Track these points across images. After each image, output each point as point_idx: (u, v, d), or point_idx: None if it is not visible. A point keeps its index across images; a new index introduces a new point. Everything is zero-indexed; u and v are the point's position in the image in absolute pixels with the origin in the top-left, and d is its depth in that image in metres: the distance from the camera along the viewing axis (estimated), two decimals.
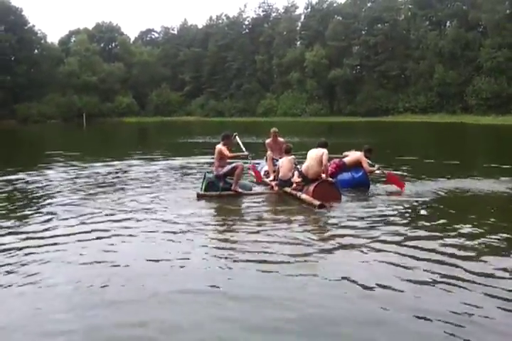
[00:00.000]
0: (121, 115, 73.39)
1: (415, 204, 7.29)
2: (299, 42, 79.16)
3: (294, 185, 7.89)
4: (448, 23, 64.82)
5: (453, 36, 59.72)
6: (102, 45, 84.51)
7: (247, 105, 76.91)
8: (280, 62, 74.73)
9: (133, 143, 25.63)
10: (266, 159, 9.15)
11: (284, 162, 8.18)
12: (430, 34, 62.41)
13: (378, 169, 8.63)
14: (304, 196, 7.41)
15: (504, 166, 12.13)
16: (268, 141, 9.54)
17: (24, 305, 3.78)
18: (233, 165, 8.02)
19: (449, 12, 62.94)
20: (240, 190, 7.93)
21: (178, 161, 14.08)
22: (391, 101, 64.89)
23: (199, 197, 7.56)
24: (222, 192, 7.74)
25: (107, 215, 6.70)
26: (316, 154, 7.74)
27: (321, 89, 70.20)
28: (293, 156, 8.25)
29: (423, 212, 6.78)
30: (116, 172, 11.63)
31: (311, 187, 7.49)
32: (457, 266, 4.47)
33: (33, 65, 70.60)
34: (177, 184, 9.46)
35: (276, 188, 8.17)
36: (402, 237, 5.43)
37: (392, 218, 6.35)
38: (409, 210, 6.87)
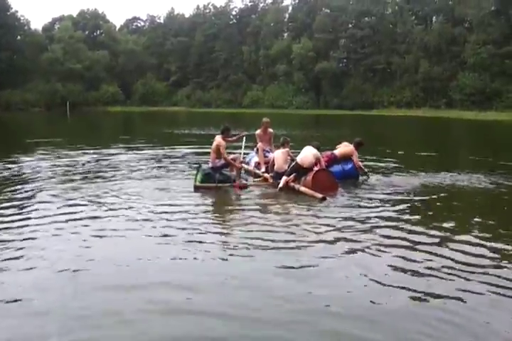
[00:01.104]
0: (106, 104, 72.47)
1: (407, 196, 7.44)
2: (286, 34, 78.89)
3: (284, 180, 7.85)
4: (434, 18, 65.15)
5: (438, 31, 60.06)
6: (86, 32, 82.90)
7: (233, 96, 76.63)
8: (267, 53, 74.45)
9: (117, 133, 25.40)
10: (256, 150, 9.05)
11: (279, 154, 8.22)
12: (416, 29, 62.66)
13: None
14: (303, 189, 7.49)
15: (487, 160, 12.41)
16: (258, 131, 9.43)
17: None
18: (231, 157, 8.10)
19: (436, 7, 63.25)
20: (244, 182, 8.02)
21: (163, 150, 14.18)
22: (376, 94, 65.17)
23: (196, 188, 7.53)
24: (219, 184, 7.71)
25: (95, 205, 6.63)
26: (312, 150, 8.08)
27: (308, 81, 70.18)
28: (287, 149, 8.32)
29: (415, 205, 6.90)
30: (99, 161, 11.58)
31: (309, 177, 7.62)
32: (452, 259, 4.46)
33: (16, 52, 69.08)
34: (165, 173, 9.44)
35: (270, 180, 8.18)
36: (407, 231, 5.48)
37: (390, 212, 6.37)
38: (406, 203, 6.95)
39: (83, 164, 10.99)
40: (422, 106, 58.95)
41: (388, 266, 4.36)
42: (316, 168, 7.89)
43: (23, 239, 5.07)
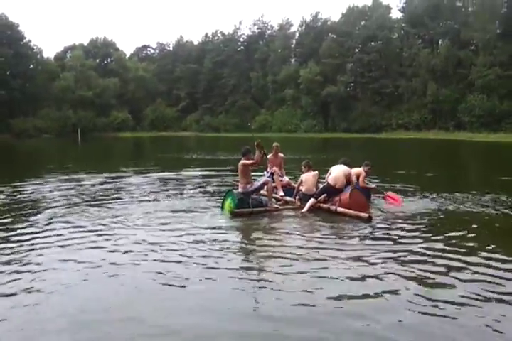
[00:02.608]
0: (117, 130, 73.49)
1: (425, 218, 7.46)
2: (293, 60, 79.99)
3: (310, 203, 7.90)
4: (440, 42, 65.86)
5: (445, 54, 60.61)
6: (97, 60, 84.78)
7: (242, 121, 77.14)
8: (275, 78, 75.45)
9: (127, 158, 25.63)
10: (271, 174, 8.98)
11: (309, 177, 8.39)
12: (423, 52, 63.34)
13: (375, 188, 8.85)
14: (342, 209, 7.59)
15: (502, 180, 12.23)
16: (269, 156, 9.49)
17: None
18: (262, 181, 8.11)
19: (442, 30, 64.07)
20: (275, 206, 8.05)
21: (172, 174, 14.28)
22: (385, 117, 65.43)
23: (233, 214, 7.52)
24: (254, 209, 7.74)
25: (110, 232, 6.59)
26: (341, 168, 8.18)
27: (316, 105, 70.74)
28: (316, 172, 8.49)
29: (436, 227, 6.85)
30: (109, 184, 11.67)
31: (345, 197, 7.75)
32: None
33: (29, 80, 70.76)
34: (190, 200, 9.35)
35: (298, 203, 8.26)
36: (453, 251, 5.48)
37: (412, 235, 6.33)
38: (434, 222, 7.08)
39: (95, 189, 11.04)
40: (431, 129, 58.96)
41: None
42: (348, 188, 7.98)
43: (23, 264, 5.11)
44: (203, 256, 5.34)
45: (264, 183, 8.07)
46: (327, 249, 5.63)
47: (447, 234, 6.33)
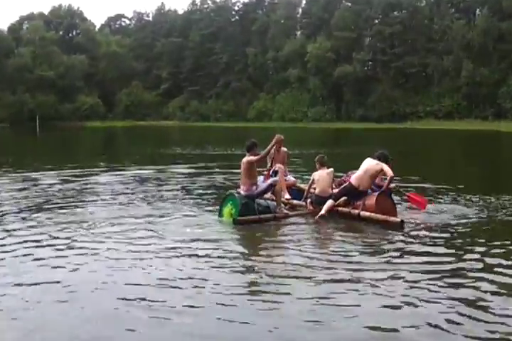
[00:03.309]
0: (84, 118, 73.47)
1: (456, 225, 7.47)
2: (299, 33, 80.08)
3: (328, 206, 8.01)
4: (478, 11, 65.87)
5: (483, 26, 60.58)
6: (60, 33, 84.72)
7: (236, 107, 77.09)
8: (276, 55, 75.35)
9: (96, 152, 25.53)
10: (273, 173, 8.95)
11: (323, 175, 8.37)
12: (457, 24, 63.32)
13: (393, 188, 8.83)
14: (367, 214, 7.71)
15: None
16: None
17: None
18: (269, 182, 8.12)
19: None
20: (285, 211, 8.14)
21: (152, 172, 14.22)
22: (410, 104, 65.46)
23: (236, 222, 7.54)
24: (261, 216, 7.77)
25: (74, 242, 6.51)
26: (370, 165, 8.06)
27: (326, 88, 70.69)
28: (332, 169, 8.46)
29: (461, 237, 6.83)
30: (71, 184, 11.57)
31: (370, 201, 7.85)
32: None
33: None
34: (173, 203, 9.35)
35: (310, 207, 8.34)
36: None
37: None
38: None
39: (53, 190, 10.97)
40: (465, 117, 59.04)
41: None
42: (372, 192, 8.06)
43: None
44: (192, 277, 5.17)
45: (272, 184, 8.07)
46: (350, 268, 5.50)
47: (494, 250, 6.20)
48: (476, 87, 59.87)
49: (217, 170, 15.03)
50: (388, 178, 7.96)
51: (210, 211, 8.53)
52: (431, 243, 6.54)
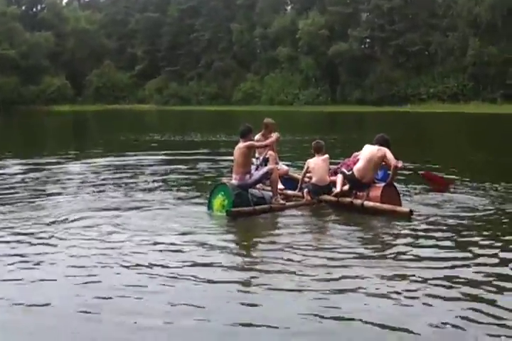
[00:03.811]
0: (51, 102, 72.87)
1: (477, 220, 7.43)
2: (289, 7, 80.00)
3: (335, 192, 8.24)
4: None
5: (491, 1, 60.65)
6: (23, 8, 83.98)
7: (220, 89, 76.88)
8: (264, 32, 75.14)
9: (64, 139, 25.39)
10: (263, 161, 9.00)
11: (319, 163, 8.43)
12: None
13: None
14: (371, 204, 7.77)
15: None
16: (258, 136, 9.37)
17: None
18: (265, 170, 8.17)
19: None
20: (282, 202, 8.20)
21: (132, 161, 14.17)
22: (411, 85, 65.61)
23: (229, 214, 7.58)
24: (256, 207, 7.82)
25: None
26: (371, 154, 8.10)
27: (320, 69, 70.62)
28: (327, 155, 8.56)
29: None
30: (45, 177, 11.39)
31: (375, 193, 7.92)
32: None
33: None
34: (152, 193, 9.37)
35: (308, 197, 8.40)
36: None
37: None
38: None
39: (14, 179, 10.83)
40: (472, 100, 59.31)
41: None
42: (378, 184, 8.16)
43: None
44: (176, 277, 5.08)
45: (268, 172, 8.10)
46: (353, 265, 5.46)
47: (508, 245, 6.19)
48: (483, 66, 60.03)
49: (199, 157, 15.01)
50: (392, 168, 7.95)
51: (193, 202, 8.50)
52: (441, 236, 6.52)
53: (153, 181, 10.77)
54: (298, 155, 14.73)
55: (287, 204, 8.24)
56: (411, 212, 7.40)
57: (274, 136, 8.56)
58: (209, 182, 10.32)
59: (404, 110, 56.99)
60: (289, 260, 5.56)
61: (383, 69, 67.47)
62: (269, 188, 8.38)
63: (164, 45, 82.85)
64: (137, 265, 5.40)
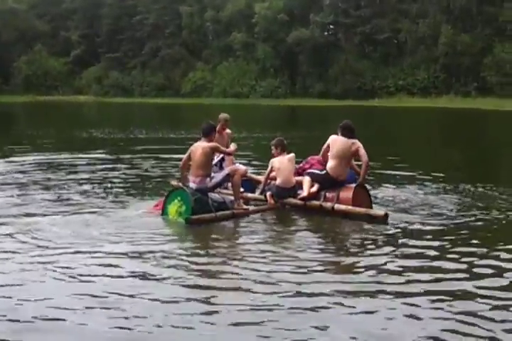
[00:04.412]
0: None
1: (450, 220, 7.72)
2: None
3: (302, 196, 8.26)
4: None
5: None
6: None
7: (167, 80, 76.39)
8: (217, 16, 75.08)
9: None
10: (219, 162, 8.99)
11: (284, 163, 8.47)
12: None
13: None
14: (343, 207, 7.87)
15: None
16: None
17: None
18: (226, 171, 8.23)
19: None
20: (245, 207, 8.27)
21: (64, 159, 14.03)
22: (379, 77, 66.42)
23: (189, 222, 7.55)
24: (218, 213, 7.82)
25: None
26: (344, 148, 8.17)
27: (278, 57, 70.89)
28: (293, 154, 8.64)
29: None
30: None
31: (346, 194, 8.02)
32: None
33: None
34: (87, 196, 9.31)
35: (271, 201, 8.43)
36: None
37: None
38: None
39: None
40: (444, 94, 60.34)
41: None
42: (348, 184, 8.28)
43: None
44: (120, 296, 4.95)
45: (229, 174, 8.15)
46: (323, 279, 5.43)
47: (493, 248, 6.40)
48: (456, 56, 61.11)
49: (143, 155, 15.03)
50: (364, 165, 8.10)
51: (134, 206, 8.42)
52: (419, 244, 6.66)
53: (90, 182, 10.64)
54: (255, 153, 14.75)
55: (250, 209, 8.29)
56: (386, 215, 7.53)
57: (233, 147, 8.62)
58: (154, 184, 10.28)
59: (371, 104, 57.77)
60: (248, 274, 5.48)
61: (348, 59, 68.04)
62: (226, 191, 8.40)
63: (103, 28, 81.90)
64: (68, 281, 5.25)
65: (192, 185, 7.98)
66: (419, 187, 10.31)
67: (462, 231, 7.19)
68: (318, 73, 69.14)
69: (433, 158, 15.82)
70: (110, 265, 5.73)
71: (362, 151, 8.06)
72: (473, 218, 7.83)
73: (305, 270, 5.62)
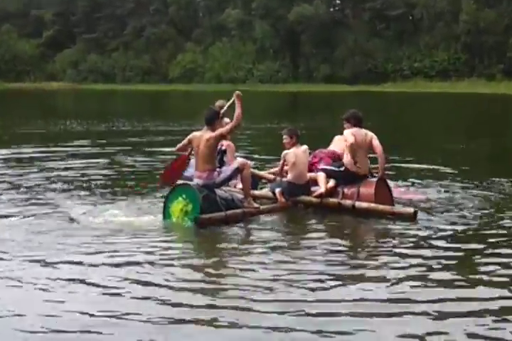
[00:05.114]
0: None
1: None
2: None
3: (320, 192, 8.25)
4: None
5: None
6: None
7: (153, 63, 76.26)
8: None
9: None
10: (220, 153, 8.96)
11: (299, 155, 8.39)
12: None
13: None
14: (364, 205, 7.90)
15: None
16: None
17: None
18: (235, 165, 8.14)
19: None
20: (256, 205, 8.20)
21: (35, 153, 13.89)
22: (392, 58, 66.44)
23: (199, 222, 7.51)
24: (228, 212, 7.75)
25: None
26: (362, 140, 8.27)
27: (278, 37, 70.83)
28: (306, 146, 8.53)
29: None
30: None
31: (368, 189, 8.07)
32: None
33: None
34: (67, 194, 9.22)
35: (282, 199, 8.40)
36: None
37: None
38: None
39: None
40: (465, 77, 60.37)
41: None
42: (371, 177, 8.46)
43: None
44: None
45: (239, 168, 8.05)
46: (346, 298, 5.30)
47: None
48: (479, 34, 61.17)
49: (126, 148, 15.01)
50: (381, 157, 8.20)
51: (115, 207, 8.27)
52: (455, 244, 6.73)
53: (64, 180, 10.51)
54: (255, 146, 14.68)
55: (262, 207, 8.24)
56: (415, 213, 7.56)
57: (237, 95, 8.17)
58: (138, 181, 10.17)
59: (383, 90, 57.71)
60: (260, 298, 5.30)
61: (357, 38, 68.05)
62: (228, 188, 8.36)
63: (80, 6, 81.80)
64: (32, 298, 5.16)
65: (197, 180, 7.93)
66: (442, 182, 10.27)
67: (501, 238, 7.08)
68: (323, 55, 69.14)
69: (455, 150, 15.65)
70: (80, 282, 5.51)
71: (376, 142, 8.19)
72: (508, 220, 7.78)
73: (323, 285, 5.52)
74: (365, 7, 69.28)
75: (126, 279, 5.49)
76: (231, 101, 8.25)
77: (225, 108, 8.40)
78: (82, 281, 5.46)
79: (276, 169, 8.79)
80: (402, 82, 62.70)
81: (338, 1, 73.63)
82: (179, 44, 76.42)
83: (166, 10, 78.34)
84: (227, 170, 8.09)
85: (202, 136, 7.95)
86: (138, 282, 5.44)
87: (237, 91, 8.37)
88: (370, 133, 8.27)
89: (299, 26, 69.41)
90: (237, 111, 8.02)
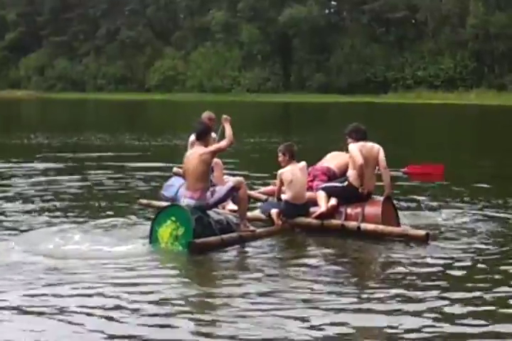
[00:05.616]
0: None
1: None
2: None
3: (320, 212, 8.33)
4: None
5: None
6: None
7: (128, 70, 76.31)
8: None
9: None
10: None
11: (296, 174, 8.49)
12: None
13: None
14: (370, 226, 7.96)
15: None
16: (193, 138, 9.31)
17: None
18: (230, 184, 8.18)
19: None
20: (252, 228, 8.22)
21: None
22: (392, 66, 66.79)
23: (193, 248, 7.50)
24: (224, 236, 7.76)
25: None
26: (369, 154, 8.41)
27: (268, 42, 71.13)
28: (304, 163, 8.66)
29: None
30: None
31: (374, 209, 8.19)
32: None
33: None
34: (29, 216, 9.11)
35: (279, 221, 8.50)
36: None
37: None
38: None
39: None
40: (474, 87, 60.68)
41: None
42: (377, 197, 8.50)
43: None
44: None
45: (235, 188, 8.08)
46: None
47: None
48: (489, 40, 61.65)
49: (96, 164, 15.04)
50: (385, 174, 8.34)
51: (87, 230, 8.20)
52: (471, 274, 6.69)
53: (25, 198, 10.52)
54: (243, 164, 14.64)
55: (258, 231, 8.25)
56: (427, 235, 7.62)
57: (224, 119, 8.42)
58: (110, 200, 10.21)
59: (383, 101, 57.94)
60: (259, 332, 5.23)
61: (354, 43, 68.43)
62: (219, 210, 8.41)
63: (47, 5, 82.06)
64: None
65: (189, 201, 7.91)
66: (454, 203, 10.31)
67: None
68: (317, 62, 69.52)
69: (464, 167, 15.81)
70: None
71: (381, 155, 8.38)
72: None
73: (325, 320, 5.41)
74: (363, 9, 69.57)
75: (93, 315, 5.29)
76: (220, 128, 8.55)
77: (217, 137, 8.67)
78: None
79: (267, 188, 8.87)
80: (404, 92, 63.10)
81: (334, 2, 73.90)
82: (157, 48, 76.66)
83: (144, 11, 78.53)
84: (221, 190, 8.10)
85: (194, 152, 8.01)
86: (110, 319, 5.26)
87: (225, 116, 8.52)
88: (377, 146, 8.39)
89: (290, 30, 69.81)
90: (228, 132, 8.13)
